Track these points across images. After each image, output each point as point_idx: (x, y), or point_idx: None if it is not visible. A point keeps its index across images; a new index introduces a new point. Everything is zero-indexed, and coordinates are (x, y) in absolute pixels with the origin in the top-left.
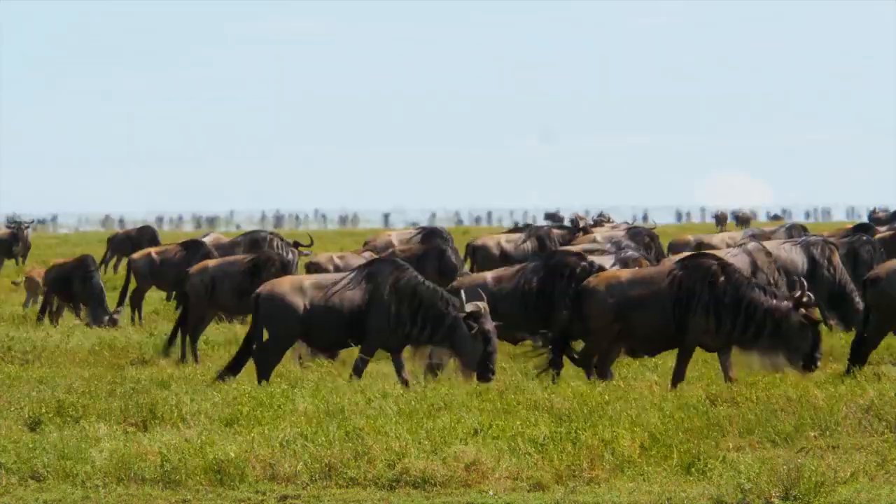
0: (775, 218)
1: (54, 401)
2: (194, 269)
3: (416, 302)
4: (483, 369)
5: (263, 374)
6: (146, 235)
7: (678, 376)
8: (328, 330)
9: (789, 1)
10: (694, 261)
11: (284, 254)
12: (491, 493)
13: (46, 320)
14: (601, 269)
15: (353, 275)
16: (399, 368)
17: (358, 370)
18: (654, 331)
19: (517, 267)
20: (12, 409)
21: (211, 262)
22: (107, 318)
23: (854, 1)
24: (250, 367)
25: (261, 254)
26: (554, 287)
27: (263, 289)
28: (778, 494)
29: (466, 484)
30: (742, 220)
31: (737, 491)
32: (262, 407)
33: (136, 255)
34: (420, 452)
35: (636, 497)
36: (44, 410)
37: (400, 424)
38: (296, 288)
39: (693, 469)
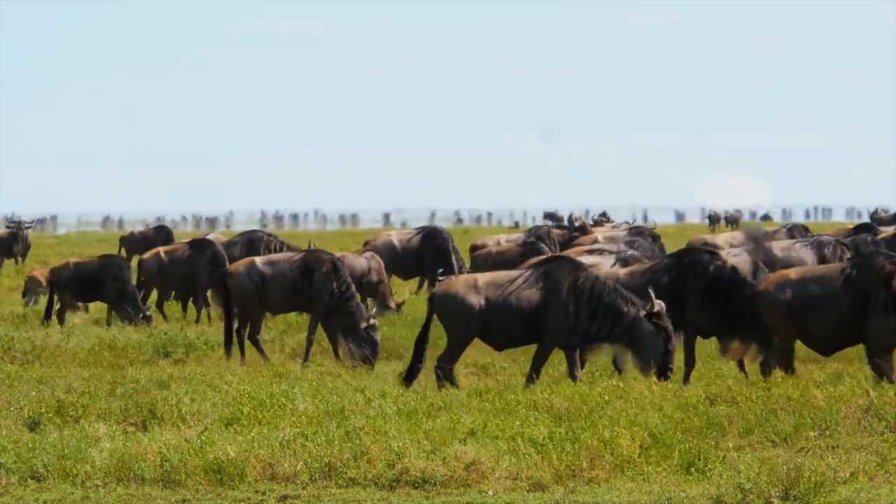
0: (764, 218)
1: (54, 401)
2: (239, 265)
3: (594, 300)
4: (663, 367)
5: (446, 376)
6: (161, 235)
7: (882, 372)
8: (504, 328)
9: (789, 1)
10: (868, 260)
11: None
12: (490, 493)
13: (54, 319)
14: (734, 268)
15: (529, 272)
16: (573, 367)
17: (536, 371)
18: (830, 331)
19: (649, 264)
20: (12, 409)
21: (258, 260)
22: (140, 315)
23: (854, 1)
24: (251, 366)
25: (311, 253)
26: (686, 285)
27: (439, 289)
28: (778, 494)
29: (466, 484)
30: (731, 221)
31: (737, 491)
32: (262, 407)
33: (145, 255)
34: (420, 452)
35: (636, 497)
36: (44, 410)
37: (399, 424)
38: (471, 287)
39: (693, 469)
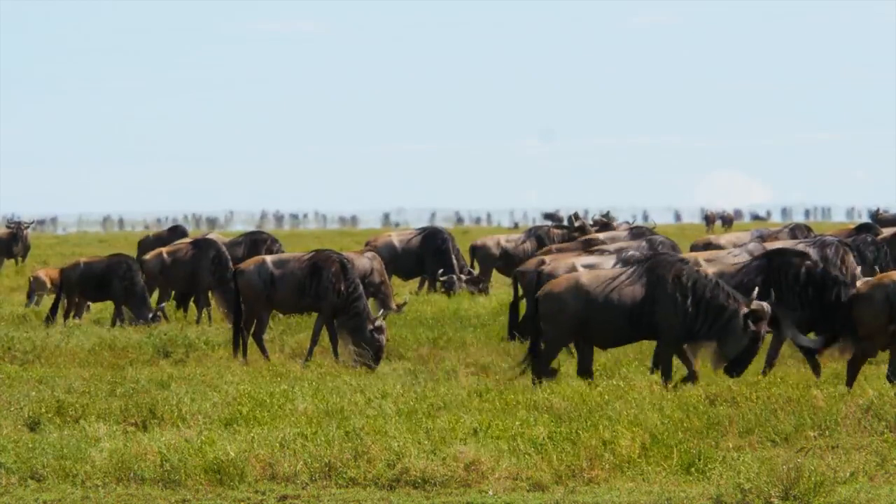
0: (756, 219)
1: (54, 401)
2: (249, 264)
3: (698, 295)
4: (739, 365)
5: (542, 372)
6: (176, 236)
7: None
8: (608, 327)
9: (789, 1)
10: None
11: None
12: (490, 493)
13: (60, 319)
14: (825, 269)
15: (632, 270)
16: (659, 363)
17: (664, 370)
18: None
19: (740, 264)
20: (12, 409)
21: (269, 258)
22: (150, 315)
23: (854, 1)
24: (251, 366)
25: (320, 253)
26: (779, 286)
27: (542, 289)
28: (778, 494)
29: (466, 484)
30: (726, 221)
31: (736, 491)
32: (261, 407)
33: (147, 255)
34: (420, 452)
35: (636, 497)
36: (44, 410)
37: (399, 424)
38: (573, 285)
39: (693, 469)
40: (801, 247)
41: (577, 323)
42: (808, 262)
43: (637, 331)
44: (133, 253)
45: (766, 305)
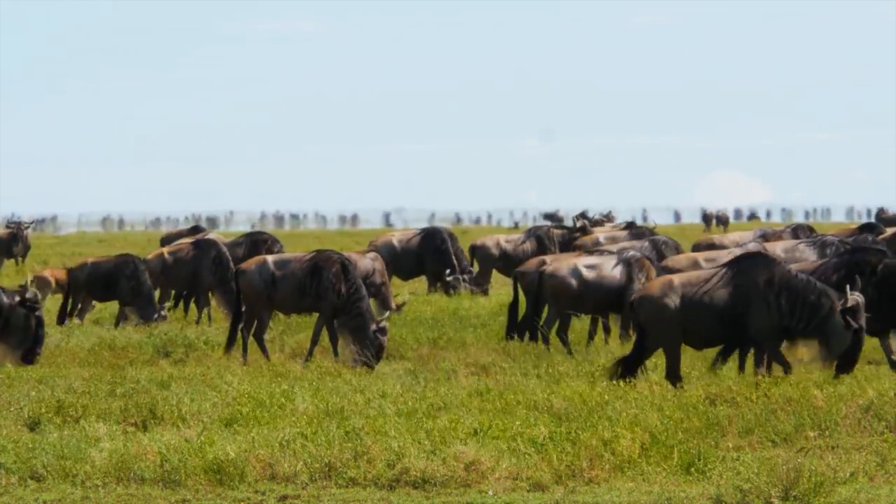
0: (751, 218)
1: (54, 401)
2: (251, 263)
3: (791, 294)
4: (847, 362)
5: (676, 382)
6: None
7: None
8: (703, 328)
9: (789, 1)
10: None
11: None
12: (490, 493)
13: (74, 318)
14: None
15: (723, 271)
16: (759, 362)
17: (769, 369)
18: None
19: (818, 262)
20: (12, 409)
21: (269, 258)
22: (156, 315)
23: (854, 1)
24: (251, 366)
25: (321, 253)
26: (857, 283)
27: (637, 294)
28: (777, 494)
29: (466, 484)
30: (722, 221)
31: (736, 491)
32: (261, 407)
33: (149, 255)
34: (420, 452)
35: (636, 497)
36: (44, 410)
37: (399, 424)
38: (667, 288)
39: (693, 469)
40: (801, 246)
41: (675, 324)
42: (886, 261)
43: (730, 332)
44: (133, 253)
45: (860, 298)
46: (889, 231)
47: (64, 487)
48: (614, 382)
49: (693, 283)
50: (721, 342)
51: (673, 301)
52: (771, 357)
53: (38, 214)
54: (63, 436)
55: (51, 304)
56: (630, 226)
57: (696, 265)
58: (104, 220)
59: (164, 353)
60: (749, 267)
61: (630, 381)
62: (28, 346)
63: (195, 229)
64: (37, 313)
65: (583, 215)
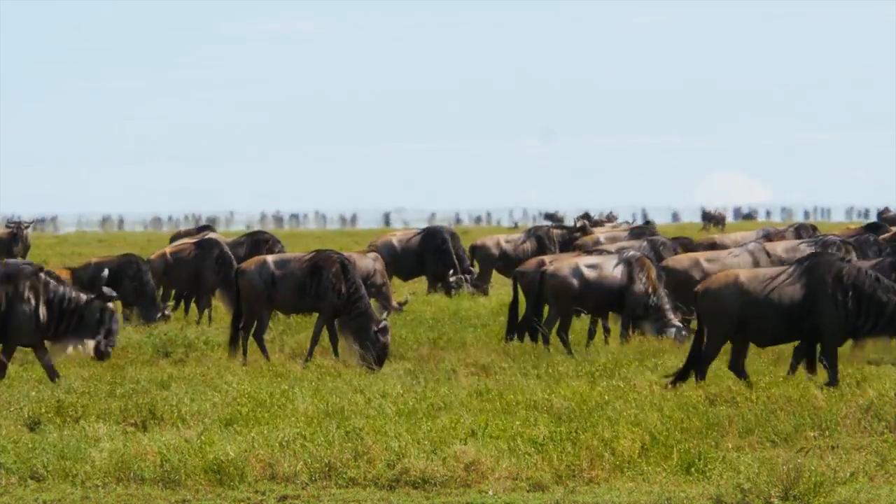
0: (747, 217)
1: (54, 401)
2: (251, 263)
3: (858, 293)
4: None
5: (701, 374)
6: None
7: None
8: (768, 325)
9: (789, 1)
10: None
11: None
12: (490, 493)
13: None
14: None
15: (791, 269)
16: (818, 360)
17: (834, 372)
18: None
19: (874, 260)
20: (12, 409)
21: (270, 258)
22: (158, 314)
23: (854, 1)
24: (251, 366)
25: (321, 253)
26: None
27: (701, 287)
28: (777, 494)
29: (466, 484)
30: (717, 221)
31: (736, 491)
32: (261, 407)
33: (152, 255)
34: (420, 452)
35: (636, 497)
36: (44, 410)
37: (399, 424)
38: (732, 284)
39: (693, 469)
40: (802, 246)
41: (735, 321)
42: None
43: (797, 330)
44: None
45: None
46: (893, 230)
47: (64, 487)
48: (613, 383)
49: (760, 281)
50: (786, 340)
51: (738, 297)
52: (826, 355)
53: (38, 214)
54: (63, 436)
55: None
56: (640, 227)
57: (696, 265)
58: (104, 220)
59: (164, 353)
60: (817, 265)
61: (628, 382)
62: (100, 341)
63: (204, 228)
64: (109, 306)
65: (585, 216)
